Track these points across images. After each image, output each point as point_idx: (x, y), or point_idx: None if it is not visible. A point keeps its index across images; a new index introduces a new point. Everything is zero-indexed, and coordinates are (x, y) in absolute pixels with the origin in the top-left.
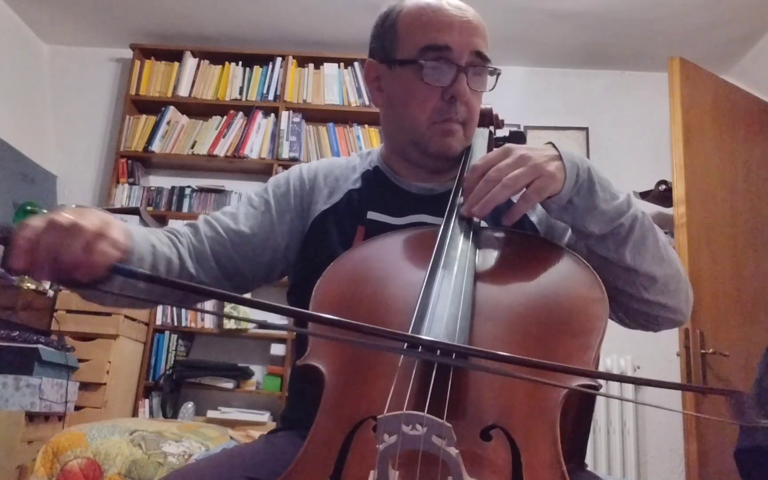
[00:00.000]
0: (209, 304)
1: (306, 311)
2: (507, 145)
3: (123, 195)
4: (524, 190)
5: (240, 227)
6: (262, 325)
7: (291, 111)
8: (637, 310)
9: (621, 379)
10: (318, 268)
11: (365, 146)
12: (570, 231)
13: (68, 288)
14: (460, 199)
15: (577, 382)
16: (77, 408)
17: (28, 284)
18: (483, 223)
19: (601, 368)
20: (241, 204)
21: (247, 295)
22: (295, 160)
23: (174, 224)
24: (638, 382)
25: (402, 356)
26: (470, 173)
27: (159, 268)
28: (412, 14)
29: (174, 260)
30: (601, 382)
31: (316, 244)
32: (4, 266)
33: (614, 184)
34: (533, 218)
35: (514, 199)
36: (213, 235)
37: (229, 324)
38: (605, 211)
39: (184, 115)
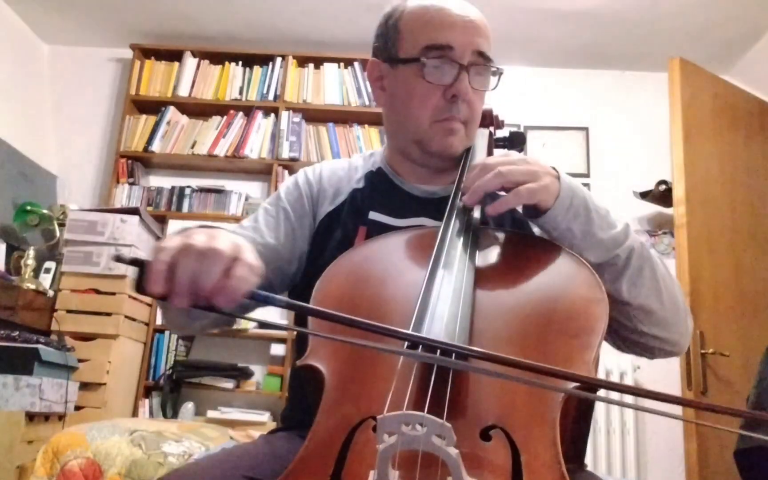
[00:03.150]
0: None
1: (311, 306)
2: (511, 152)
3: (123, 195)
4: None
5: (267, 240)
6: (264, 325)
7: (291, 111)
8: (632, 340)
9: (619, 387)
10: (320, 269)
11: (365, 146)
12: None
13: (207, 310)
14: (459, 203)
15: (575, 384)
16: (77, 408)
17: (28, 284)
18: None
19: (601, 368)
20: (260, 216)
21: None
22: (295, 160)
23: (174, 225)
24: (637, 392)
25: (402, 356)
26: (470, 171)
27: None
28: (414, 14)
29: None
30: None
31: (321, 246)
32: (140, 290)
33: (614, 184)
34: (537, 229)
35: None
36: None
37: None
38: (602, 240)
39: (184, 115)
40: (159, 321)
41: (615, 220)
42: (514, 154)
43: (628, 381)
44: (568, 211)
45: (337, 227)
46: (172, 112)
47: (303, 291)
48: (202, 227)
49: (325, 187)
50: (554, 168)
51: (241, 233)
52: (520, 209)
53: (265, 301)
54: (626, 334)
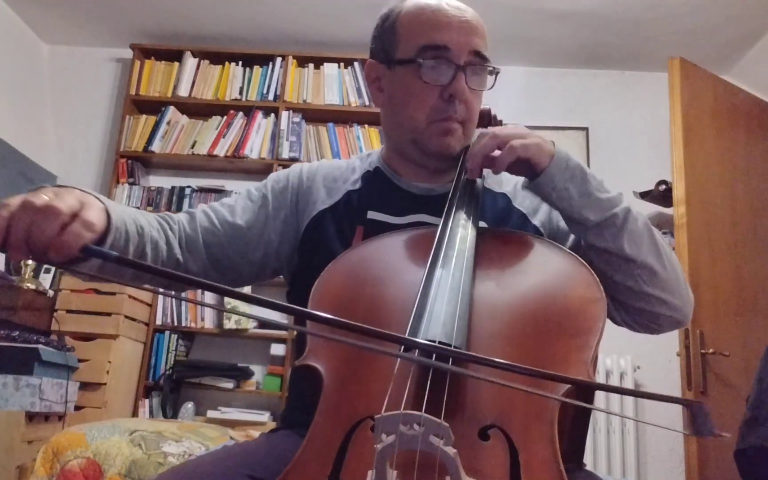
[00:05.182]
0: (209, 299)
1: (304, 309)
2: (510, 125)
3: (123, 195)
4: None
5: (236, 220)
6: (261, 322)
7: (291, 111)
8: (637, 308)
9: (617, 390)
10: (316, 268)
11: (365, 146)
12: (572, 237)
13: (46, 264)
14: (463, 177)
15: (567, 388)
16: (77, 408)
17: (28, 284)
18: (483, 223)
19: (601, 368)
20: (240, 197)
21: (247, 290)
22: (295, 160)
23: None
24: (635, 394)
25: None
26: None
27: (146, 250)
28: (411, 14)
29: (161, 245)
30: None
31: (314, 244)
32: None
33: (614, 184)
34: (536, 222)
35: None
36: (208, 225)
37: (229, 324)
38: (599, 200)
39: (184, 115)
40: (159, 321)
41: (610, 189)
42: (512, 126)
43: (628, 381)
44: (565, 172)
45: (331, 226)
46: (172, 112)
47: (301, 290)
48: (60, 186)
49: (319, 185)
50: (552, 141)
51: (217, 208)
52: (520, 187)
53: (99, 256)
54: (632, 301)
